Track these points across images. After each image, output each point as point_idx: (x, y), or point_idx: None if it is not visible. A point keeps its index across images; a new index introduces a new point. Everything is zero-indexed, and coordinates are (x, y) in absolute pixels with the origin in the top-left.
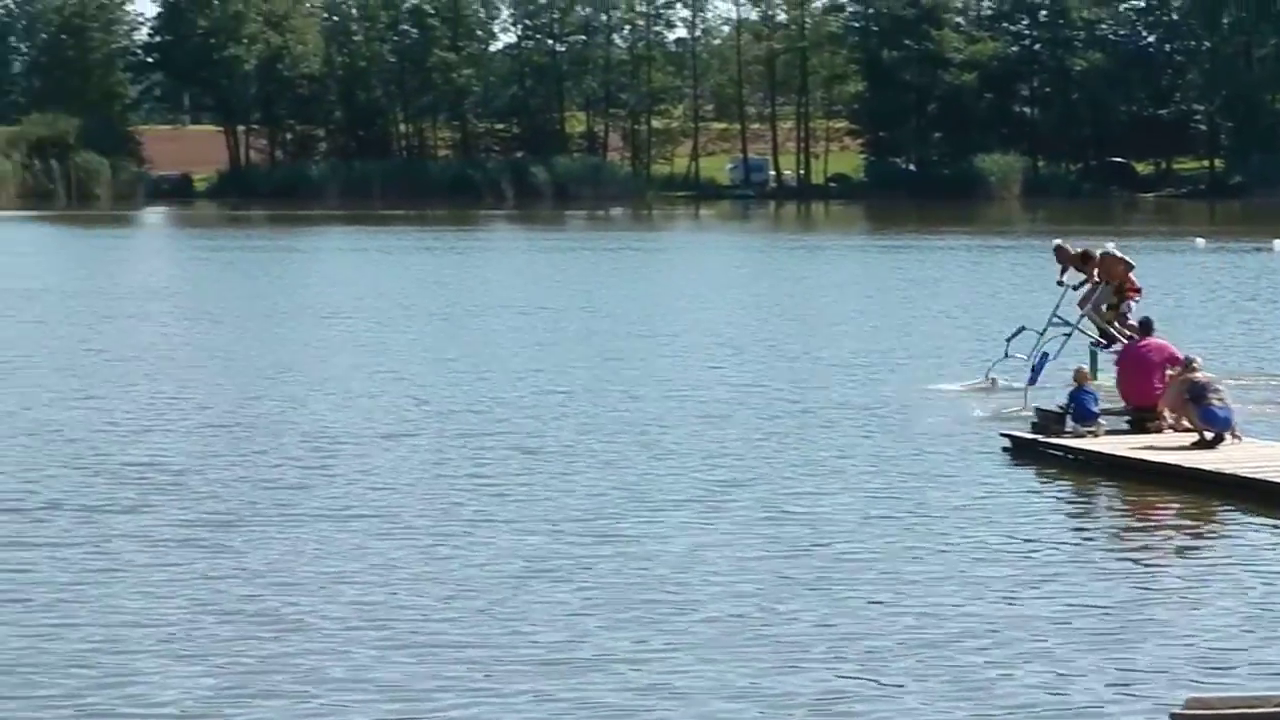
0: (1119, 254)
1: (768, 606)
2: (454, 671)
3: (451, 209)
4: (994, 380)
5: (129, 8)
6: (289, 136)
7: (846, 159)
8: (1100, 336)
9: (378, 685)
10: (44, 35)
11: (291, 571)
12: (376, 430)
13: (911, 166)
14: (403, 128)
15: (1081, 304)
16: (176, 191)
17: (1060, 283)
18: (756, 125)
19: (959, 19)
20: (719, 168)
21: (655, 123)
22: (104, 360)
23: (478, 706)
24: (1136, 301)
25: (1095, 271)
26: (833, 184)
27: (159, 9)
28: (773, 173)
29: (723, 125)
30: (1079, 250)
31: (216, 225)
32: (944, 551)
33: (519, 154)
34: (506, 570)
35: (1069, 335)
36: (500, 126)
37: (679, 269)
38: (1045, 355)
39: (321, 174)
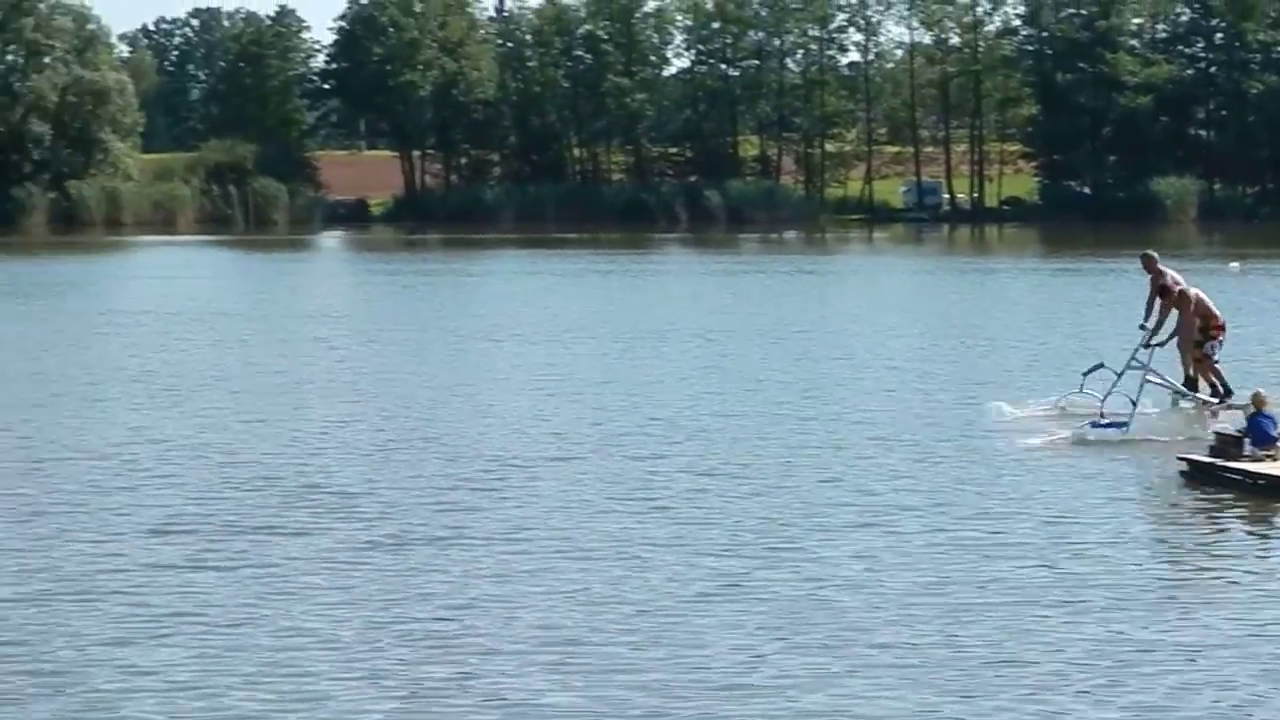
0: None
1: (944, 632)
2: (630, 695)
3: (625, 232)
4: (1063, 409)
5: (306, 35)
6: (464, 161)
7: (1020, 182)
8: (1182, 383)
9: (554, 708)
10: (223, 63)
11: (466, 593)
12: (550, 452)
13: (1086, 189)
14: (577, 152)
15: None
16: (352, 216)
17: (1143, 325)
18: (930, 148)
19: (1133, 42)
20: (892, 191)
21: (829, 146)
22: (279, 383)
23: None
24: (1221, 342)
25: (1174, 305)
26: (1006, 207)
27: (335, 37)
28: (946, 196)
29: (896, 148)
30: (1166, 279)
31: (392, 249)
32: (1122, 576)
33: (692, 178)
34: (681, 593)
35: (1137, 398)
36: (674, 150)
37: (852, 292)
38: (1124, 426)
39: (496, 198)
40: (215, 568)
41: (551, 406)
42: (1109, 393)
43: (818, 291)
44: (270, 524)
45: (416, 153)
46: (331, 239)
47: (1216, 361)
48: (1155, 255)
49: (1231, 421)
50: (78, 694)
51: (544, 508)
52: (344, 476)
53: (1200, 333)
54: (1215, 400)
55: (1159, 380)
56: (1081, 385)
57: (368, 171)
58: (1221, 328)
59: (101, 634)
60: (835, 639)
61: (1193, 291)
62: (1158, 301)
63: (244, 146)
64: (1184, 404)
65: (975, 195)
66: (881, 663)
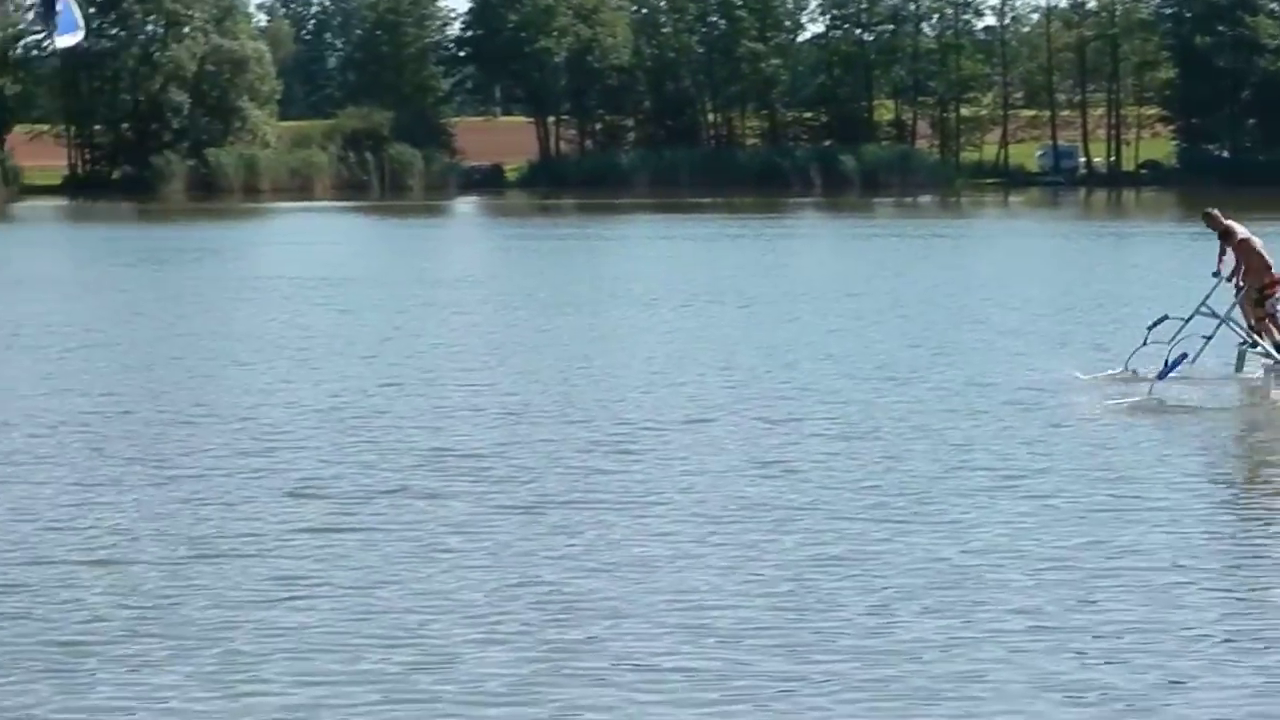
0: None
1: (1079, 597)
2: (763, 658)
3: (759, 197)
4: (1134, 371)
5: (441, 3)
6: (598, 126)
7: (1158, 145)
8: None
9: (686, 672)
10: (359, 31)
11: (598, 556)
12: (682, 415)
13: (1225, 153)
14: (711, 117)
15: (1231, 277)
16: (487, 182)
17: (1216, 272)
18: (1066, 112)
19: (1274, 4)
20: (1028, 155)
21: (964, 110)
22: (413, 347)
23: (788, 694)
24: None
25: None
26: (1144, 171)
27: (471, 4)
28: (1082, 159)
29: (1032, 112)
30: (1225, 223)
31: (526, 214)
32: (1237, 540)
33: (827, 142)
34: (814, 556)
35: (1211, 335)
36: (808, 115)
37: (986, 256)
38: (1184, 355)
39: (630, 163)
40: (349, 530)
41: (684, 370)
42: (1175, 340)
43: (951, 256)
44: (403, 487)
45: (551, 118)
46: (466, 205)
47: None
48: (1215, 212)
49: None
50: (214, 655)
51: (676, 471)
52: (477, 440)
53: (1258, 290)
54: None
55: (1233, 326)
56: (1146, 339)
57: (503, 137)
58: (1277, 283)
59: (237, 596)
60: (969, 604)
61: (1257, 241)
62: (1228, 254)
63: (380, 113)
64: (1254, 355)
65: (1112, 159)
66: (1015, 628)
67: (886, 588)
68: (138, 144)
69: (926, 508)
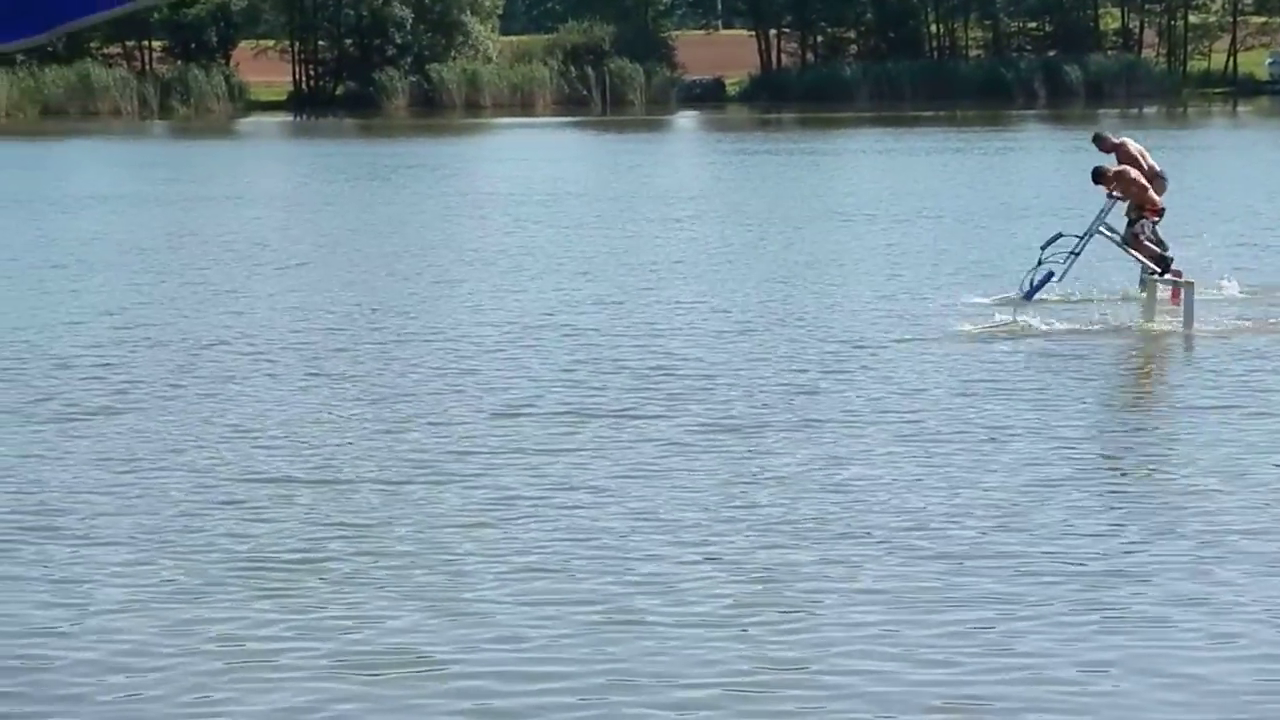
0: (1135, 161)
1: None
2: (986, 579)
3: (982, 109)
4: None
5: None
6: (819, 39)
7: None
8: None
9: (909, 590)
10: None
11: (812, 479)
12: (898, 334)
13: None
14: (933, 28)
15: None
16: (708, 95)
17: (1111, 195)
18: None
19: None
20: (1258, 63)
21: (1192, 17)
22: (630, 264)
23: (1009, 618)
24: (1154, 223)
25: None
26: None
27: None
28: None
29: (1263, 19)
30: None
31: (747, 128)
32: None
33: (1051, 52)
34: (1039, 477)
35: (1078, 250)
36: (1032, 25)
37: (1208, 167)
38: (1050, 274)
39: (852, 76)
40: (565, 451)
41: (900, 287)
42: (1073, 252)
43: (1175, 168)
44: (618, 407)
45: (772, 31)
46: (687, 119)
47: (1147, 240)
48: (1106, 133)
49: None
50: (431, 576)
51: (890, 390)
52: (693, 359)
53: (1135, 210)
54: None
55: (1130, 251)
56: (1040, 259)
57: (724, 50)
58: (1159, 212)
59: (453, 517)
60: (1204, 526)
61: (1134, 172)
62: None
63: (601, 27)
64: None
65: None
66: (1252, 550)
67: (1116, 509)
68: (361, 60)
69: (1153, 428)
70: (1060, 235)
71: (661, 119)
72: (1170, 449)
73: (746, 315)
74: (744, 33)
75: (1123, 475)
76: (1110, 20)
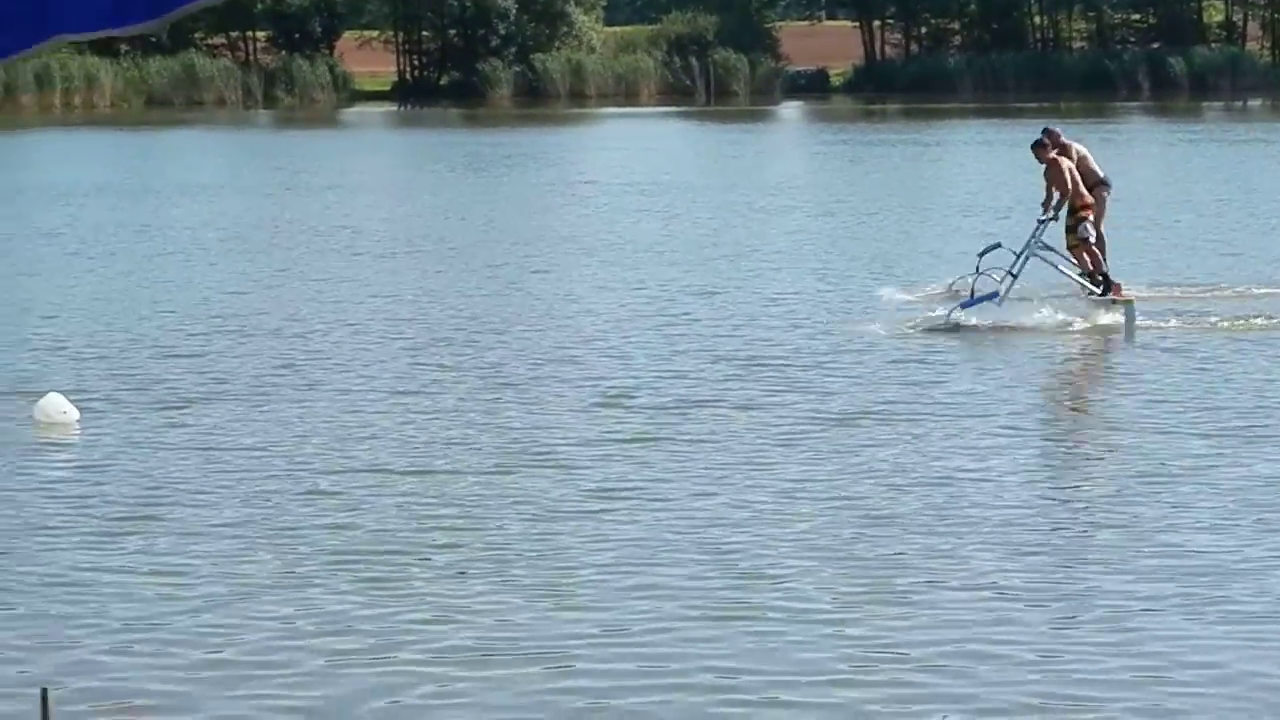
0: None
1: None
2: (1090, 576)
3: (1085, 101)
4: (956, 290)
5: None
6: (923, 30)
7: None
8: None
9: (1002, 587)
10: None
11: (916, 471)
12: (992, 324)
13: None
14: (1037, 20)
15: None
16: (812, 86)
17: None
18: None
19: None
20: None
21: None
22: (730, 254)
23: (1119, 614)
24: (1091, 222)
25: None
26: None
27: None
28: None
29: None
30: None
31: (850, 119)
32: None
33: (1155, 45)
34: (1143, 472)
35: (1015, 274)
36: (1136, 17)
37: None
38: (995, 294)
39: (956, 67)
40: (665, 440)
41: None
42: (1010, 272)
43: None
44: (719, 397)
45: (876, 22)
46: (791, 110)
47: (1092, 242)
48: (1051, 133)
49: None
50: (529, 567)
51: (994, 383)
52: (794, 349)
53: (1070, 215)
54: (1096, 290)
55: (1064, 269)
56: (978, 266)
57: (828, 41)
58: (1088, 206)
59: (553, 507)
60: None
61: (1065, 162)
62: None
63: (705, 18)
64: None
65: None
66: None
67: (1225, 504)
68: (465, 50)
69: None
70: (999, 245)
71: (765, 110)
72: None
73: (847, 305)
74: (848, 24)
75: (1230, 471)
76: (1214, 13)
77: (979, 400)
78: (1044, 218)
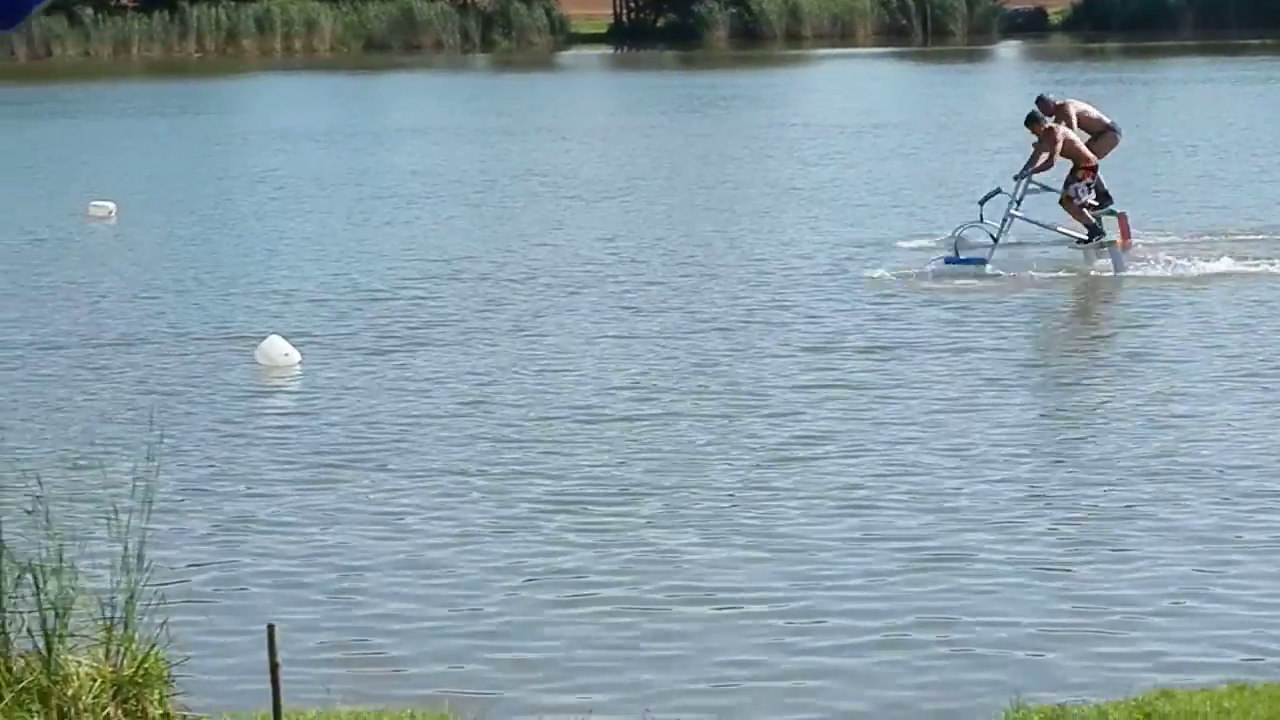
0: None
1: None
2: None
3: None
4: (961, 239)
5: None
6: None
7: None
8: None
9: (1218, 536)
10: None
11: (1132, 415)
12: (1220, 268)
13: None
14: None
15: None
16: (1030, 25)
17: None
18: None
19: None
20: None
21: None
22: (942, 195)
23: None
24: (1089, 185)
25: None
26: None
27: None
28: None
29: None
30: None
31: (1067, 58)
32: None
33: None
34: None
35: (1003, 229)
36: None
37: None
38: (983, 260)
39: (1176, 4)
40: (877, 386)
41: (1207, 221)
42: (989, 259)
43: None
44: (930, 342)
45: None
46: (1009, 49)
47: (1083, 205)
48: (1044, 102)
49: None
50: (741, 512)
51: (1212, 327)
52: (1006, 292)
53: (1070, 173)
54: (1088, 239)
55: (1058, 226)
56: (980, 215)
57: None
58: (1092, 169)
59: (765, 453)
60: None
61: (1061, 130)
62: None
63: None
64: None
65: None
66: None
67: None
68: None
69: None
70: (999, 190)
71: (982, 49)
72: None
73: (1059, 250)
74: None
75: None
76: None
77: (1201, 344)
78: (1020, 174)
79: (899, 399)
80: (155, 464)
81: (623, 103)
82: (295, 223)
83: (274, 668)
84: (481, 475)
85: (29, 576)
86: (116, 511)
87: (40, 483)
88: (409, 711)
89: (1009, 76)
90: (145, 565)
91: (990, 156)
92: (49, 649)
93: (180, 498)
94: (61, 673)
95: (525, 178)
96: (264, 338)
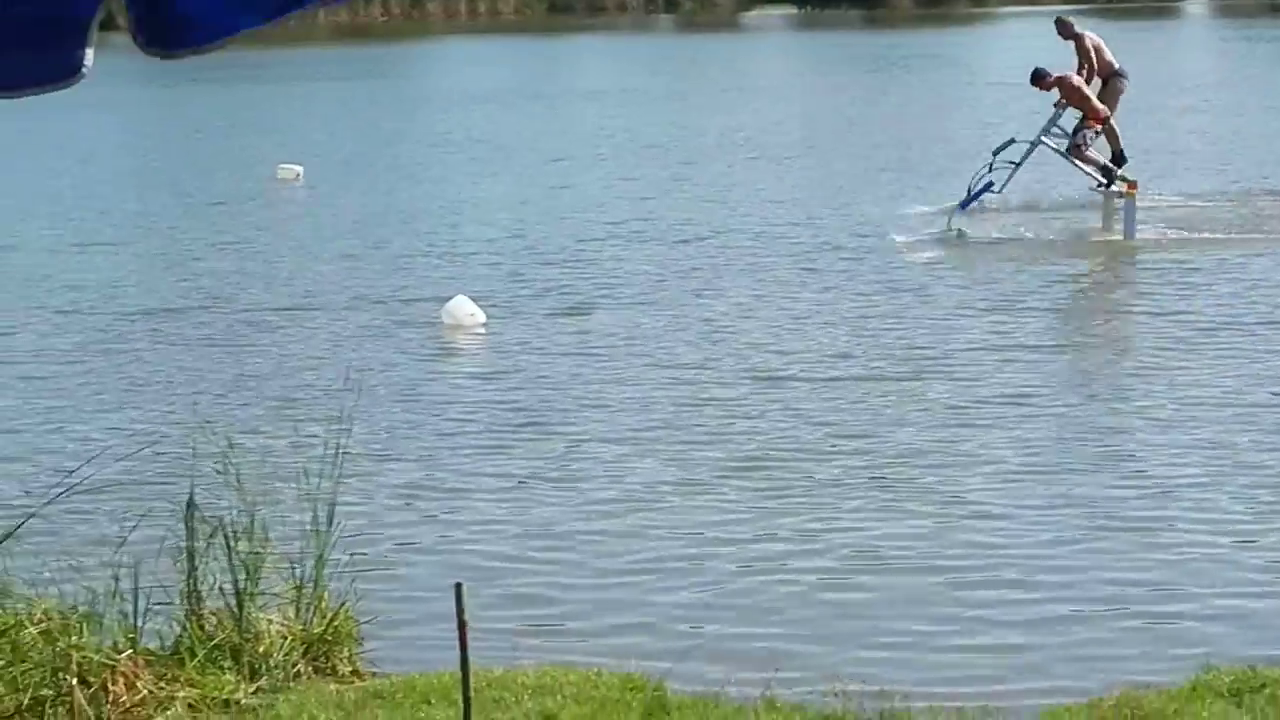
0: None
1: None
2: None
3: None
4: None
5: None
6: None
7: None
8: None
9: None
10: None
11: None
12: None
13: None
14: None
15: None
16: None
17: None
18: None
19: None
20: None
21: None
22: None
23: None
24: (1097, 132)
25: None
26: None
27: None
28: None
29: None
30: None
31: (1255, 15)
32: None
33: None
34: None
35: (1020, 161)
36: None
37: None
38: (990, 184)
39: None
40: (1061, 348)
41: None
42: (1013, 162)
43: None
44: (1118, 304)
45: None
46: (1196, 6)
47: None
48: (1070, 19)
49: None
50: (922, 476)
51: None
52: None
53: (1080, 120)
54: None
55: (1075, 159)
56: (991, 165)
57: None
58: (1102, 120)
59: (946, 415)
60: None
61: (1074, 80)
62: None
63: None
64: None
65: None
66: None
67: None
68: None
69: None
70: (1014, 141)
71: (1171, 5)
72: None
73: (1259, 204)
74: None
75: None
76: None
77: None
78: (1059, 105)
79: (1085, 361)
80: (345, 425)
81: (808, 63)
82: (479, 185)
83: (461, 625)
84: (662, 438)
85: (220, 536)
86: (305, 473)
87: (231, 444)
88: (595, 669)
89: (1196, 34)
90: (333, 525)
91: (1175, 114)
92: (240, 607)
93: (366, 458)
94: (253, 630)
95: (706, 138)
96: (449, 298)
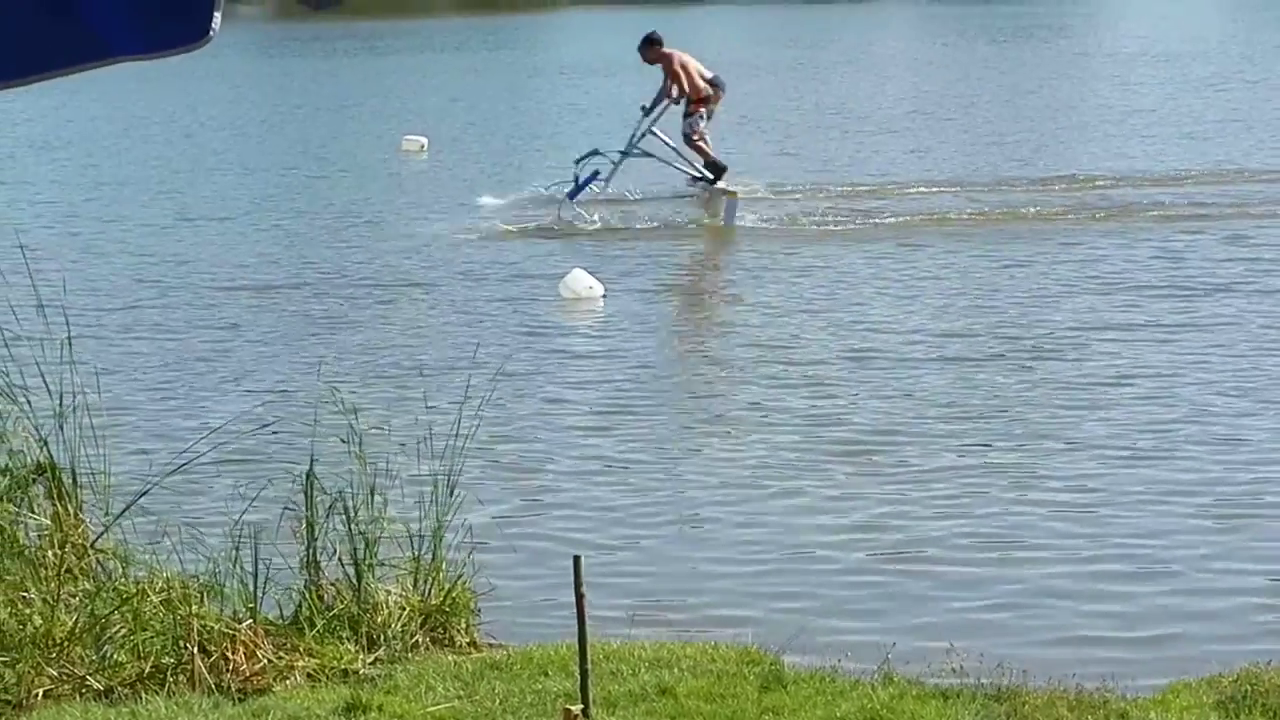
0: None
1: None
2: None
3: None
4: (553, 196)
5: None
6: None
7: None
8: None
9: None
10: None
11: None
12: None
13: None
14: None
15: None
16: None
17: (645, 107)
18: None
19: None
20: None
21: None
22: (1251, 128)
23: None
24: (703, 115)
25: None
26: None
27: None
28: None
29: None
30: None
31: None
32: None
33: None
34: None
35: (624, 155)
36: None
37: None
38: (596, 173)
39: None
40: (1182, 327)
41: None
42: (610, 178)
43: None
44: (1237, 282)
45: None
46: None
47: (699, 138)
48: (656, 38)
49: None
50: (1028, 458)
51: None
52: None
53: (687, 106)
54: (706, 182)
55: (674, 161)
56: (575, 176)
57: None
58: (702, 100)
59: (1068, 394)
60: None
61: (679, 57)
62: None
63: None
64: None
65: None
66: None
67: None
68: None
69: None
70: (596, 152)
71: None
72: None
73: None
74: None
75: None
76: None
77: None
78: (647, 105)
79: (1198, 341)
80: (465, 399)
81: (921, 33)
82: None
83: (579, 598)
84: (774, 418)
85: (340, 506)
86: (427, 443)
87: (355, 412)
88: (712, 643)
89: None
90: (452, 497)
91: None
92: (359, 577)
93: (484, 430)
94: (371, 600)
95: (822, 110)
96: (568, 271)
